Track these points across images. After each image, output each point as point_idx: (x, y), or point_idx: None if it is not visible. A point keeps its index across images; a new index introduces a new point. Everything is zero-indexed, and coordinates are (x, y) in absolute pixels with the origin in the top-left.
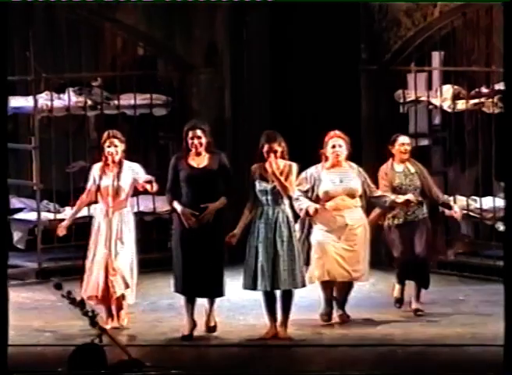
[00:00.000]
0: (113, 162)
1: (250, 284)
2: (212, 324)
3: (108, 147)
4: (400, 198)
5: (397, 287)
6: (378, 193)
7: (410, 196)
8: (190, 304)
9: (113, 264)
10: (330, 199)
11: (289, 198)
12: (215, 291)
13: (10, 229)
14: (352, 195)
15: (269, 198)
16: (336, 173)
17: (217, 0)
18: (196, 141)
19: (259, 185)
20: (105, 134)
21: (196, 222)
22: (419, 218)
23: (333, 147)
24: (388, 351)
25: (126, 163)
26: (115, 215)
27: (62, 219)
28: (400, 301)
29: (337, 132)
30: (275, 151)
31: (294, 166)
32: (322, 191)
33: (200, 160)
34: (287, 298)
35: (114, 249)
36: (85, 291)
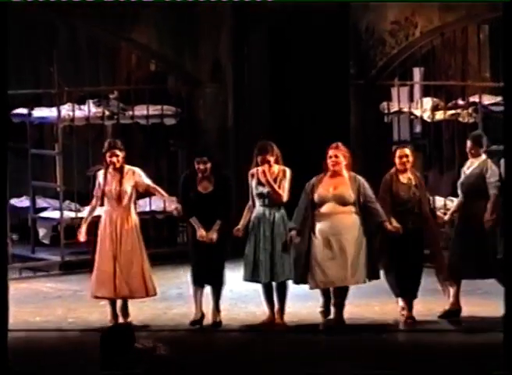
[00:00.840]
0: (114, 169)
1: (250, 276)
2: (218, 320)
3: (110, 156)
4: (390, 226)
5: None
6: (374, 206)
7: (399, 227)
8: (199, 293)
9: (120, 264)
10: (323, 204)
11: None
12: (217, 280)
13: (36, 226)
14: (343, 203)
15: (266, 199)
16: (332, 181)
17: (217, 0)
18: (202, 167)
19: (256, 189)
20: (106, 145)
21: (206, 239)
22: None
23: (330, 158)
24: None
25: (128, 168)
26: (119, 216)
27: (82, 218)
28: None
29: (335, 144)
30: (268, 161)
31: (288, 172)
32: (316, 196)
33: (206, 185)
34: (283, 289)
35: (119, 249)
36: (93, 291)
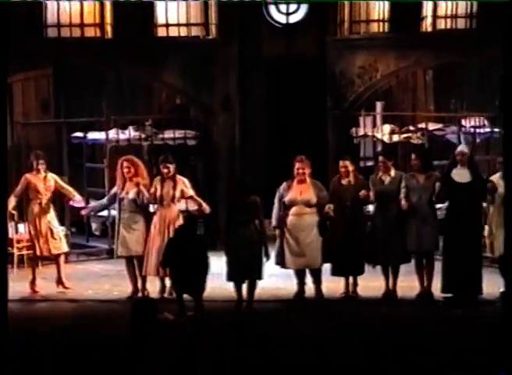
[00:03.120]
0: (167, 177)
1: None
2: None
3: (163, 168)
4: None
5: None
6: (326, 204)
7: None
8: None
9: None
10: (292, 206)
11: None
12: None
13: (90, 221)
14: (308, 205)
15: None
16: (299, 187)
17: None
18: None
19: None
20: (160, 159)
21: None
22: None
23: (297, 169)
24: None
25: (179, 177)
26: (168, 214)
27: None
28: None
29: (299, 158)
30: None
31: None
32: (287, 199)
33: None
34: (253, 285)
35: (167, 236)
36: (144, 271)
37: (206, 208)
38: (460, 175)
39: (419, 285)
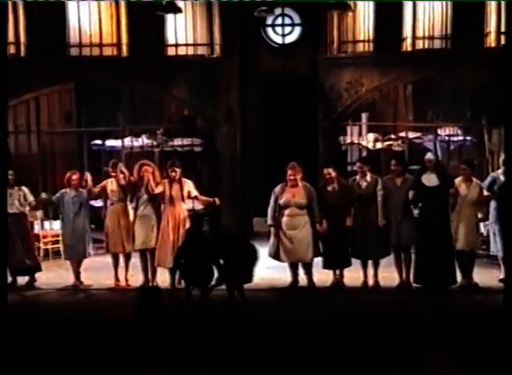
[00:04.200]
0: (175, 180)
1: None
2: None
3: (171, 172)
4: (319, 227)
5: None
6: (315, 207)
7: (325, 228)
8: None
9: (177, 242)
10: (286, 208)
11: None
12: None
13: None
14: (300, 207)
15: None
16: (292, 191)
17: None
18: None
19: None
20: (168, 164)
21: None
22: None
23: (289, 175)
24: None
25: (184, 180)
26: (177, 211)
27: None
28: None
29: (291, 164)
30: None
31: None
32: (281, 202)
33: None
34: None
35: (177, 233)
36: (157, 262)
37: (216, 200)
38: (429, 179)
39: (398, 276)
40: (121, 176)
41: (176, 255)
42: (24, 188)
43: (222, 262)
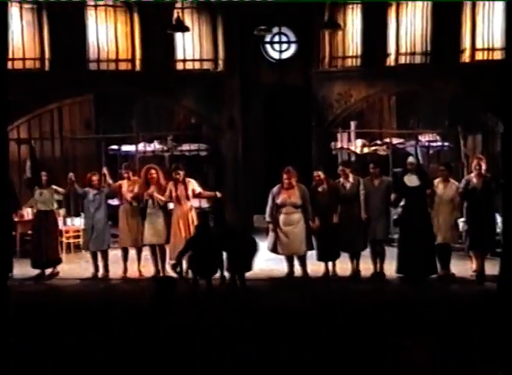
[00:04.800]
0: (179, 181)
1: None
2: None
3: (175, 174)
4: (312, 224)
5: None
6: (308, 206)
7: (318, 225)
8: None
9: (185, 239)
10: (282, 207)
11: None
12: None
13: None
14: (294, 206)
15: None
16: (288, 192)
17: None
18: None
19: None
20: (173, 167)
21: None
22: None
23: (285, 179)
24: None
25: (188, 180)
26: (184, 210)
27: None
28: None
29: (286, 169)
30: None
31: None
32: (278, 201)
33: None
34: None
35: (188, 230)
36: (170, 256)
37: (217, 193)
38: (410, 180)
39: (373, 267)
40: (132, 178)
41: (183, 249)
42: (55, 187)
43: (225, 253)
